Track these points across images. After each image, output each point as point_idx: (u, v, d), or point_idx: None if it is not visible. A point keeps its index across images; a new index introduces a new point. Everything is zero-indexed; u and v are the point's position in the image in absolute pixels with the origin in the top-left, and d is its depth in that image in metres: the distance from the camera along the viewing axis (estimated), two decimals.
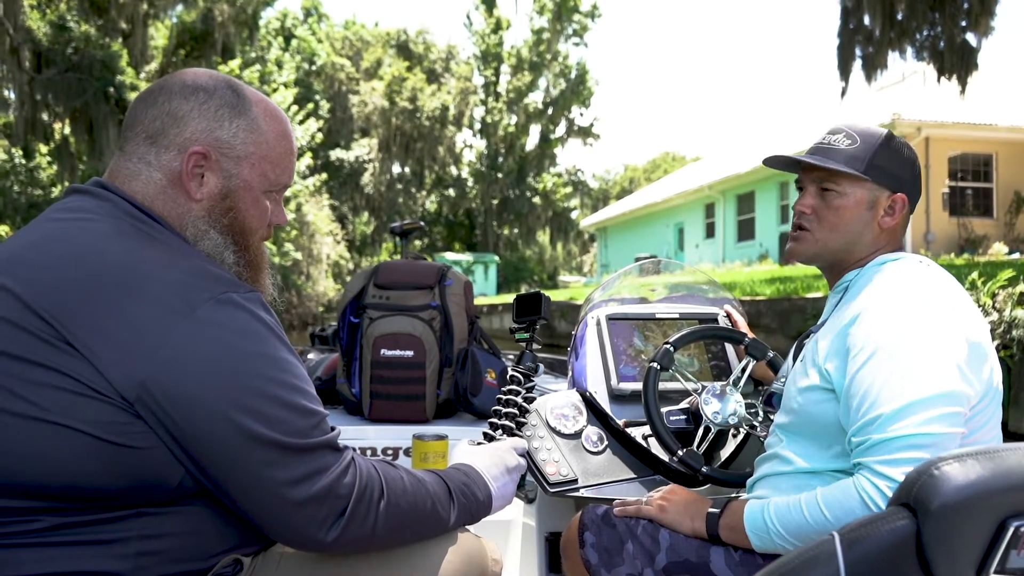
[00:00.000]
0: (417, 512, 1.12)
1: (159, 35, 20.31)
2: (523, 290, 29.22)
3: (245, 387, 0.97)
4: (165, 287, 0.97)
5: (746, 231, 19.91)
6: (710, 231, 21.74)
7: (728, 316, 2.02)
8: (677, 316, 2.02)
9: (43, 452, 0.92)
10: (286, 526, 1.00)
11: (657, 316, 2.02)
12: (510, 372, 1.60)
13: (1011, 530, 0.81)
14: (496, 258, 30.83)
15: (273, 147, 1.16)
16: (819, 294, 7.59)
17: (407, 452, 2.25)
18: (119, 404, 0.92)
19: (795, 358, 1.52)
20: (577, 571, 1.50)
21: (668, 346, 1.74)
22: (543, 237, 37.02)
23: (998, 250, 13.07)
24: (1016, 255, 12.03)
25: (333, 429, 1.06)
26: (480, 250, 33.08)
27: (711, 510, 1.38)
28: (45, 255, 1.00)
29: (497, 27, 34.73)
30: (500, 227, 35.43)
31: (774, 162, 1.52)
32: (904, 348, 1.21)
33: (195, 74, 1.15)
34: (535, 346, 1.64)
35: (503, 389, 1.59)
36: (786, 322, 7.51)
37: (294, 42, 32.77)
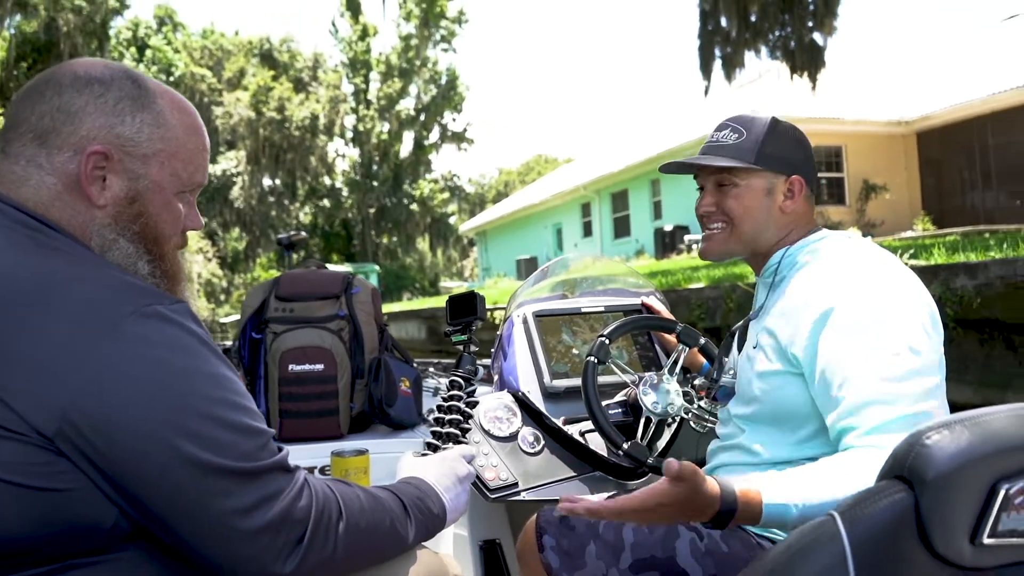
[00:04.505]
0: (377, 532, 1.03)
1: None
2: (405, 298, 28.73)
3: (183, 408, 0.85)
4: (78, 303, 0.85)
5: (622, 228, 20.47)
6: (587, 230, 22.21)
7: (648, 308, 2.02)
8: (603, 309, 2.00)
9: None
10: (240, 560, 0.89)
11: (583, 310, 1.99)
12: (450, 376, 1.53)
13: (1002, 493, 0.81)
14: (376, 267, 30.36)
15: (183, 143, 1.04)
16: (700, 284, 7.86)
17: (324, 471, 2.13)
18: (35, 442, 0.79)
19: (740, 348, 1.51)
20: None
21: (603, 339, 1.71)
22: (423, 244, 36.78)
23: None
24: (868, 239, 12.91)
25: (280, 449, 0.96)
26: (359, 260, 32.48)
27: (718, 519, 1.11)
28: None
29: (364, 34, 34.24)
30: (379, 236, 34.95)
31: (669, 168, 1.55)
32: (881, 324, 1.21)
33: (88, 64, 1.02)
34: (472, 348, 1.57)
35: (443, 395, 1.51)
36: (673, 312, 7.71)
37: (148, 52, 31.23)
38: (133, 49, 30.43)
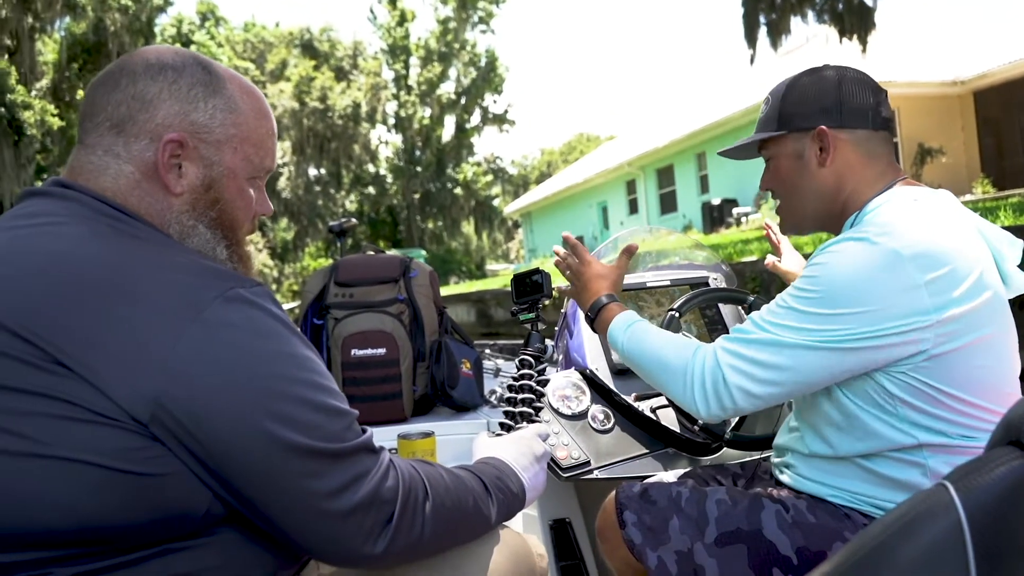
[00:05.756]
0: (462, 511, 1.02)
1: (48, 50, 19.32)
2: (452, 282, 28.76)
3: (272, 392, 0.85)
4: (163, 288, 0.85)
5: (668, 204, 20.22)
6: (633, 207, 21.99)
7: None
8: (668, 283, 1.96)
9: (47, 493, 0.78)
10: (331, 542, 0.89)
11: (648, 285, 1.96)
12: (520, 356, 1.51)
13: None
14: (423, 252, 30.56)
15: (254, 127, 1.05)
16: (753, 257, 7.72)
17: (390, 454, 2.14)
18: (131, 427, 0.80)
19: None
20: (618, 554, 1.41)
21: (674, 312, 1.67)
22: (468, 227, 36.84)
23: None
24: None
25: (364, 430, 0.96)
26: (406, 246, 32.70)
27: (591, 307, 1.54)
28: (11, 268, 0.85)
29: (402, 19, 34.26)
30: (424, 221, 35.10)
31: (730, 154, 1.52)
32: (803, 290, 1.18)
33: (158, 51, 1.02)
34: (541, 326, 1.56)
35: (514, 375, 1.50)
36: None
37: (193, 47, 31.70)
38: (178, 45, 30.94)
